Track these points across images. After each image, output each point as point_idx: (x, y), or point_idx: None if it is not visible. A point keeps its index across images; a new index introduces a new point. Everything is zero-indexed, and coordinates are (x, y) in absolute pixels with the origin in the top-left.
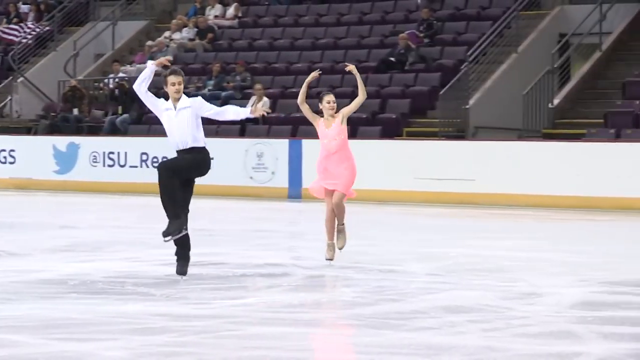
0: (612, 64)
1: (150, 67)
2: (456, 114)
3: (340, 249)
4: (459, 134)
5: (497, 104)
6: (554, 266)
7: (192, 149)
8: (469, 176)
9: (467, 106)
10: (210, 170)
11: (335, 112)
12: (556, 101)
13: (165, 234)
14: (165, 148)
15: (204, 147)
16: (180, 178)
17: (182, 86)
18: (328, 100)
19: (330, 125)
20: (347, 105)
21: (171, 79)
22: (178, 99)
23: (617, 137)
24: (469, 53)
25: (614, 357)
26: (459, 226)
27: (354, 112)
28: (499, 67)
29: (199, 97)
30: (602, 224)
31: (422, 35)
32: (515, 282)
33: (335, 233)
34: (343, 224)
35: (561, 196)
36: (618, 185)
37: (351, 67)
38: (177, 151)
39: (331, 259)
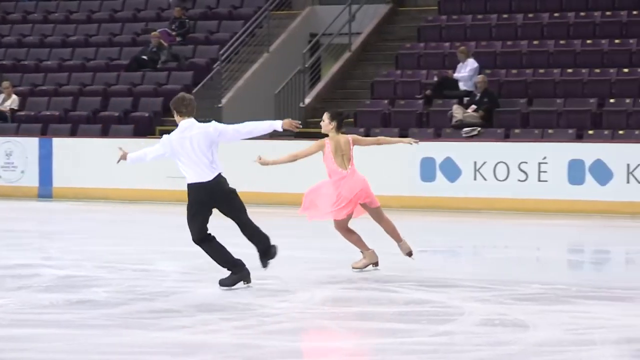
0: (361, 64)
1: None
2: (209, 112)
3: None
4: None
5: (250, 103)
6: (305, 263)
7: None
8: None
9: (220, 105)
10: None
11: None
12: (307, 100)
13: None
14: None
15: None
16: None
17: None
18: (323, 119)
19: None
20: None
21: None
22: None
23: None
24: (221, 52)
25: (364, 352)
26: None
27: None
28: (251, 66)
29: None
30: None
31: (174, 33)
32: (267, 279)
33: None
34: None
35: None
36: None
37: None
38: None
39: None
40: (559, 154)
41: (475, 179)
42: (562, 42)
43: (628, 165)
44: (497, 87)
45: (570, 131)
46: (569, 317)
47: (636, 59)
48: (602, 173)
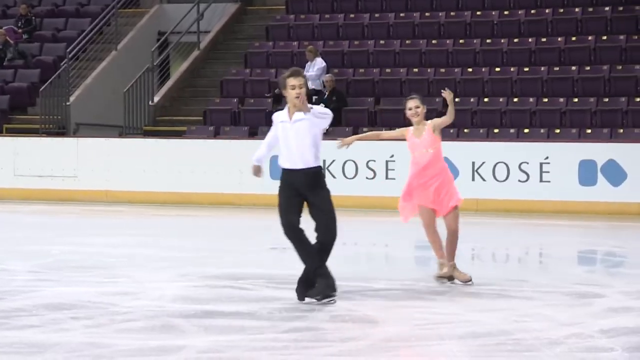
0: (210, 63)
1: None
2: (57, 110)
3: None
4: (60, 131)
5: (98, 101)
6: (155, 261)
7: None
8: (70, 173)
9: (68, 103)
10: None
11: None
12: (156, 99)
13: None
14: None
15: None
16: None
17: (303, 90)
18: (410, 107)
19: (421, 134)
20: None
21: (291, 81)
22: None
23: (216, 134)
24: (68, 50)
25: (216, 349)
26: (60, 223)
27: None
28: (99, 64)
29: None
30: (200, 219)
31: (20, 31)
32: (118, 278)
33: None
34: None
35: (162, 192)
36: (215, 181)
37: (447, 94)
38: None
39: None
40: (406, 151)
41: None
42: (407, 42)
43: (473, 163)
44: (344, 86)
45: None
46: (417, 313)
47: (480, 58)
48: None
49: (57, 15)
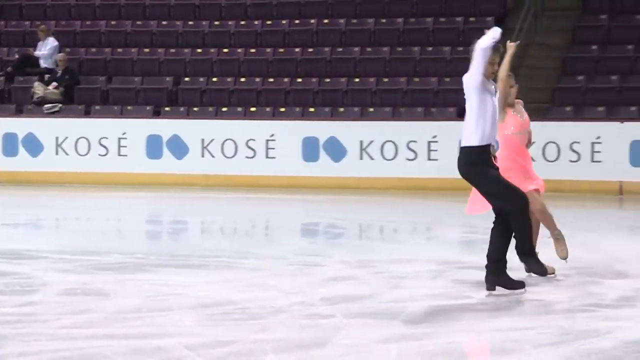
0: None
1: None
2: None
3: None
4: None
5: None
6: None
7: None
8: None
9: None
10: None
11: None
12: None
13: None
14: None
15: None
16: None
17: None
18: (512, 84)
19: (523, 115)
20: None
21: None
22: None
23: None
24: None
25: None
26: None
27: None
28: None
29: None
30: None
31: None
32: None
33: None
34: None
35: None
36: None
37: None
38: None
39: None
40: (137, 129)
41: (57, 154)
42: (138, 22)
43: (202, 140)
44: (77, 65)
45: (148, 108)
46: (148, 285)
47: (209, 39)
48: (178, 148)
49: None
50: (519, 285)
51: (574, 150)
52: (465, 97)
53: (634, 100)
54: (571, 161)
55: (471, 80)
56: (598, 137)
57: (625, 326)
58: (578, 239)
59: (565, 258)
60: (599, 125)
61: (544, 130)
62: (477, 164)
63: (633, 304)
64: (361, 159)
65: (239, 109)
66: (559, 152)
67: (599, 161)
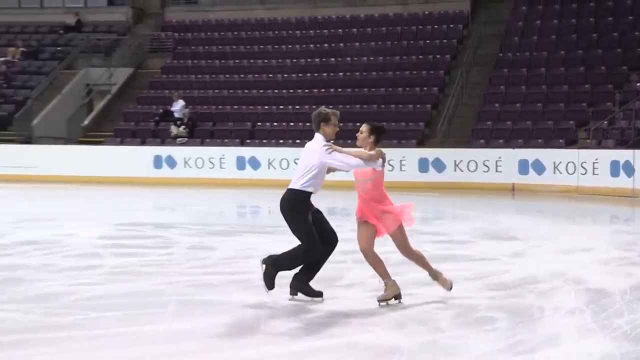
0: None
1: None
2: (25, 129)
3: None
4: (27, 140)
5: (52, 123)
6: (81, 219)
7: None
8: (32, 164)
9: (32, 124)
10: (285, 212)
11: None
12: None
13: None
14: None
15: (293, 189)
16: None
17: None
18: (362, 131)
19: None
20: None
21: (334, 121)
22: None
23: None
24: (32, 93)
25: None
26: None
27: None
28: (50, 102)
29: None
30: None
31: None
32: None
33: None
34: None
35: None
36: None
37: None
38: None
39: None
40: (231, 153)
41: (184, 167)
42: (231, 91)
43: (269, 159)
44: (196, 116)
45: (237, 140)
46: (237, 243)
47: (272, 101)
48: (255, 164)
49: (25, 72)
50: (317, 294)
51: (485, 165)
52: (304, 153)
53: (522, 135)
54: (484, 171)
55: (318, 156)
56: (499, 157)
57: (516, 269)
58: (487, 217)
59: (450, 288)
60: (500, 150)
61: (468, 153)
62: (298, 206)
63: (522, 256)
64: None
65: (290, 140)
66: (477, 166)
67: (501, 171)
